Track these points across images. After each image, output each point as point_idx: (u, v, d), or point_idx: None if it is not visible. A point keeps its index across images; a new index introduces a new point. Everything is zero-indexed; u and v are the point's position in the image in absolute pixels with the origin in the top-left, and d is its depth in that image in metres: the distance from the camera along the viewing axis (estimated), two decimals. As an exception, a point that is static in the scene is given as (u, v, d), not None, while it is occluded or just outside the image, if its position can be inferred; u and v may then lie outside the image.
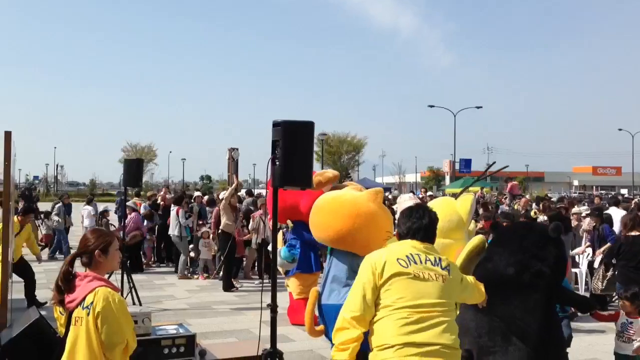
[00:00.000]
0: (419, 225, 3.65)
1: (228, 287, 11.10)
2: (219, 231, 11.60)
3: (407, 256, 3.46)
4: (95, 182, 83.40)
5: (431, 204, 6.14)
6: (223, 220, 11.35)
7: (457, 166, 48.31)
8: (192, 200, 14.46)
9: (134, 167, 9.56)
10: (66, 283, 3.24)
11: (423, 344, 3.19)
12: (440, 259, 3.56)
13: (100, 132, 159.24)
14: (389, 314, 3.30)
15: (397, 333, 3.22)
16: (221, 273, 11.68)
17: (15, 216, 8.84)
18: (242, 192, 17.27)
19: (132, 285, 9.23)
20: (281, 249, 7.64)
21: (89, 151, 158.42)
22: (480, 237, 5.42)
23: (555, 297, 4.88)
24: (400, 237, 3.68)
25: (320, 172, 7.48)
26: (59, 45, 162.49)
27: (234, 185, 11.82)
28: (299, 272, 8.42)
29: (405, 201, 4.87)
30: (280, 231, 8.84)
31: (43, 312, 6.62)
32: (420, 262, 3.47)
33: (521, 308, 4.66)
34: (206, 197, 15.68)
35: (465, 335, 4.89)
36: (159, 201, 15.25)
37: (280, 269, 8.19)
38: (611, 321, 5.75)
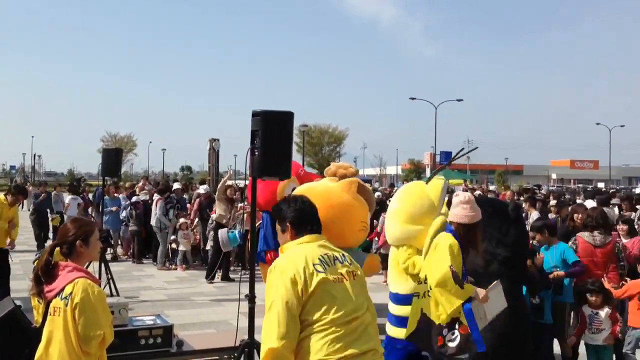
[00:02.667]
0: (309, 215, 3.29)
1: (224, 277, 11.09)
2: (212, 222, 11.55)
3: (319, 259, 3.06)
4: (74, 172, 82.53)
5: (400, 190, 6.11)
6: (217, 211, 11.29)
7: (437, 159, 48.58)
8: (172, 192, 14.35)
9: (113, 157, 9.48)
10: (46, 273, 3.22)
11: (362, 353, 2.90)
12: (344, 255, 3.26)
13: (79, 122, 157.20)
14: (319, 329, 2.87)
15: (333, 350, 2.85)
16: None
17: (2, 196, 8.68)
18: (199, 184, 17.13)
19: (110, 276, 9.17)
20: (231, 232, 7.54)
21: (68, 141, 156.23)
22: (441, 218, 5.33)
23: (520, 279, 4.87)
24: (295, 233, 3.22)
25: (345, 165, 7.30)
26: (37, 30, 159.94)
27: (227, 176, 11.78)
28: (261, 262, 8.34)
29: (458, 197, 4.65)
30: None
31: (18, 303, 6.55)
32: (332, 263, 3.11)
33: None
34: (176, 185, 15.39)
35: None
36: (137, 192, 15.12)
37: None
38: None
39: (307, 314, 2.88)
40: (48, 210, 15.83)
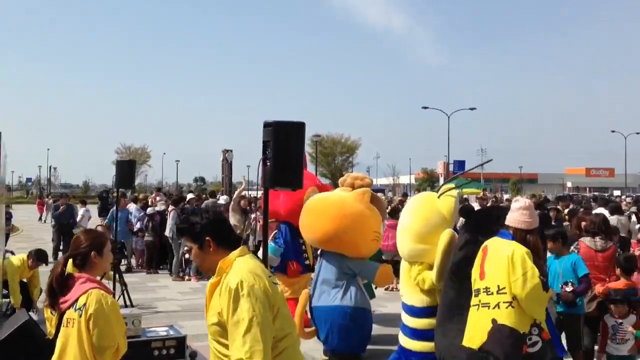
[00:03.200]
0: (228, 225, 3.08)
1: None
2: None
3: (269, 275, 2.90)
4: (89, 184, 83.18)
5: (411, 202, 6.09)
6: (231, 221, 11.33)
7: (451, 167, 48.39)
8: (186, 203, 14.45)
9: (126, 169, 9.54)
10: (60, 285, 3.23)
11: None
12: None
13: (94, 134, 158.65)
14: (285, 346, 2.81)
15: None
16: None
17: (25, 257, 8.13)
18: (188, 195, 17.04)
19: (124, 287, 9.20)
20: (269, 244, 7.60)
21: (83, 153, 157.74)
22: (449, 231, 5.36)
23: None
24: (229, 246, 2.96)
25: (360, 176, 7.28)
26: (52, 44, 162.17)
27: (242, 187, 11.81)
28: (279, 273, 8.34)
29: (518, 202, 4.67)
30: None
31: (33, 315, 6.60)
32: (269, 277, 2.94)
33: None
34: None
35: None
36: (149, 203, 15.28)
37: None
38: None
39: (275, 330, 2.74)
40: (70, 222, 15.82)
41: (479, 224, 5.24)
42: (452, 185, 6.10)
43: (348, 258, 6.64)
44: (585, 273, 5.78)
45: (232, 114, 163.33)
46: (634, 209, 12.85)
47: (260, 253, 7.98)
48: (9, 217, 15.95)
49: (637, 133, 62.96)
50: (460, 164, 48.13)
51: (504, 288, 4.24)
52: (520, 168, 78.92)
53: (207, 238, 2.90)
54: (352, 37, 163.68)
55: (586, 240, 6.49)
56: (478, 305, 4.41)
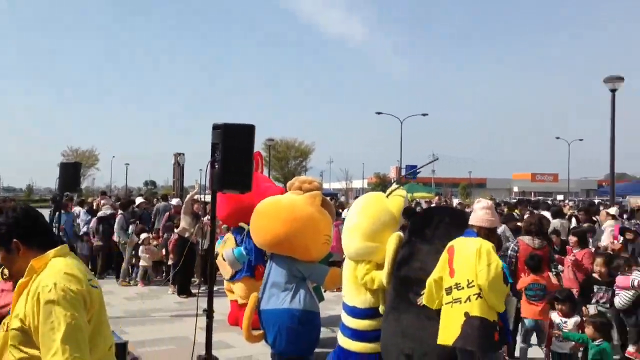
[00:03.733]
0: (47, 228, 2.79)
1: (184, 291, 10.87)
2: (176, 236, 11.37)
3: (89, 278, 2.71)
4: (33, 188, 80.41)
5: (359, 202, 6.10)
6: (182, 224, 11.12)
7: (403, 172, 48.94)
8: (136, 207, 14.15)
9: (71, 171, 9.23)
10: None
11: None
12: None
13: (39, 136, 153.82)
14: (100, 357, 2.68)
15: None
16: (169, 277, 11.49)
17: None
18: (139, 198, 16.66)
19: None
20: (235, 248, 7.51)
21: (27, 156, 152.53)
22: (397, 235, 5.47)
23: None
24: (43, 246, 2.71)
25: (309, 179, 7.24)
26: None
27: (195, 190, 11.61)
28: (247, 276, 8.31)
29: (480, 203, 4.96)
30: (229, 233, 8.72)
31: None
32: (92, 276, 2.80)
33: None
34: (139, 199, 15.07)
35: (404, 339, 5.00)
36: (94, 207, 14.90)
37: (228, 268, 8.07)
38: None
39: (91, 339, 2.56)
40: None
41: (416, 226, 5.36)
42: (399, 186, 6.21)
43: (298, 261, 6.62)
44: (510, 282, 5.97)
45: (185, 118, 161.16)
46: (574, 212, 13.34)
47: (228, 254, 7.98)
48: None
49: (580, 140, 65.24)
50: (412, 169, 48.73)
51: (473, 281, 4.47)
52: (469, 173, 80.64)
53: (14, 240, 2.62)
54: (309, 43, 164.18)
55: (525, 239, 6.98)
56: (451, 302, 4.56)
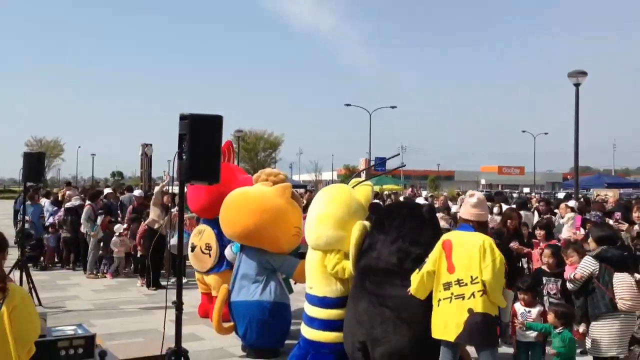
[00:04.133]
0: None
1: (155, 284, 10.74)
2: (144, 227, 11.21)
3: None
4: (-6, 178, 78.46)
5: (324, 193, 6.09)
6: (151, 215, 10.96)
7: (372, 164, 49.19)
8: (104, 197, 13.94)
9: (35, 162, 9.06)
10: None
11: None
12: None
13: (2, 126, 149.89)
14: None
15: None
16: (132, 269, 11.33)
17: None
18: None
19: (31, 285, 8.76)
20: (233, 245, 7.37)
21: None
22: (360, 223, 5.51)
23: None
24: None
25: (274, 172, 7.22)
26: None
27: (165, 182, 11.46)
28: (228, 269, 8.15)
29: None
30: (203, 224, 8.57)
31: None
32: None
33: (408, 295, 4.86)
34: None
35: (359, 327, 5.04)
36: (59, 198, 14.64)
37: (206, 261, 8.02)
38: None
39: None
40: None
41: (378, 219, 5.44)
42: (361, 178, 6.26)
43: (268, 253, 6.62)
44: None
45: (153, 108, 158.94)
46: (537, 205, 13.62)
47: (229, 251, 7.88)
48: None
49: (546, 133, 66.56)
50: (381, 161, 49.04)
51: (477, 277, 4.49)
52: (438, 165, 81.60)
53: None
54: (279, 34, 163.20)
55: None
56: (450, 297, 4.56)
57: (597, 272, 5.55)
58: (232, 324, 6.76)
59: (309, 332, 5.78)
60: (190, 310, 8.35)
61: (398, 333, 4.82)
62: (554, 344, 5.31)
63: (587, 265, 5.62)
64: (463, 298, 4.53)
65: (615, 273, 5.47)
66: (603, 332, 5.39)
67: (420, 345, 4.81)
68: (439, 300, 4.66)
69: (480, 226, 4.80)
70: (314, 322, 5.75)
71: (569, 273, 5.87)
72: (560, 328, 5.32)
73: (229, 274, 8.05)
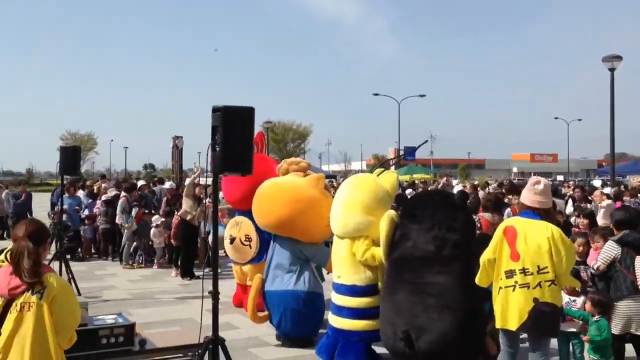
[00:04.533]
0: None
1: (188, 274, 10.92)
2: (178, 219, 11.39)
3: None
4: (33, 172, 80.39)
5: (349, 182, 6.11)
6: (183, 207, 11.10)
7: (401, 153, 48.96)
8: (138, 189, 14.18)
9: (71, 155, 9.25)
10: (35, 272, 3.18)
11: None
12: None
13: (38, 121, 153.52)
14: None
15: None
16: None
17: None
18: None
19: (71, 275, 8.98)
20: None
21: (27, 140, 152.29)
22: (388, 215, 5.48)
23: (473, 261, 4.98)
24: None
25: (295, 160, 7.31)
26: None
27: (196, 173, 11.60)
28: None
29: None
30: (241, 216, 8.66)
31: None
32: None
33: (450, 280, 4.83)
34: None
35: (399, 317, 5.03)
36: (95, 190, 14.95)
37: (247, 252, 8.01)
38: None
39: None
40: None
41: (407, 209, 5.44)
42: (384, 168, 6.30)
43: (301, 243, 6.66)
44: None
45: (184, 101, 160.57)
46: (571, 193, 13.37)
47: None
48: None
49: (579, 120, 65.20)
50: (410, 150, 48.69)
51: (546, 267, 4.44)
52: (468, 154, 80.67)
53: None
54: (304, 24, 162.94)
55: (486, 215, 7.90)
56: (514, 286, 4.50)
57: (619, 256, 5.57)
58: (266, 313, 6.83)
59: (337, 321, 5.80)
60: (225, 300, 8.47)
61: (442, 319, 4.77)
62: (589, 332, 5.25)
63: (609, 251, 5.65)
64: (528, 287, 4.46)
65: (637, 256, 5.51)
66: (625, 312, 5.46)
67: (465, 330, 4.75)
68: (500, 288, 4.59)
69: (545, 214, 4.71)
70: (343, 311, 5.76)
71: (592, 259, 5.83)
72: (598, 316, 5.25)
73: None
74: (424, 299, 4.82)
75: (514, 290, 4.51)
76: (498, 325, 4.62)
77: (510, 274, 4.54)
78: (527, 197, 4.83)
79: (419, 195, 6.32)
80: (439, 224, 5.02)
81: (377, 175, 6.01)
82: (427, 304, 4.79)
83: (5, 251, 3.32)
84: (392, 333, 5.06)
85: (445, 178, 27.36)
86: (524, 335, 4.88)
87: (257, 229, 7.78)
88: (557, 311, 4.56)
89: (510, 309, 4.53)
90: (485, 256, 4.71)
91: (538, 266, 4.46)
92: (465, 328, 4.75)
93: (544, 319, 4.45)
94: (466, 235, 4.94)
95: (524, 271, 4.49)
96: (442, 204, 5.22)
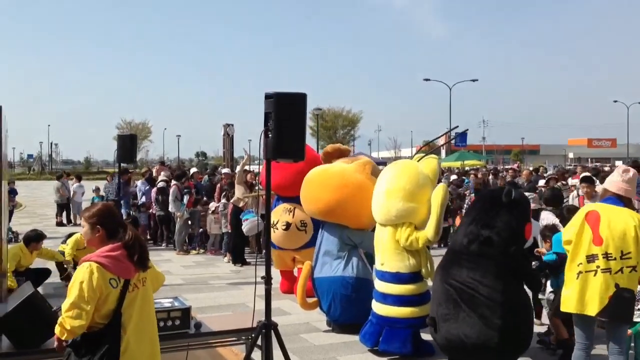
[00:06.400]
0: None
1: (240, 260, 11.12)
2: (229, 206, 11.55)
3: None
4: (90, 160, 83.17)
5: (391, 169, 6.08)
6: (236, 194, 11.23)
7: (452, 140, 48.19)
8: (190, 177, 14.43)
9: (128, 143, 9.46)
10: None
11: None
12: None
13: (95, 110, 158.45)
14: None
15: None
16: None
17: (22, 245, 8.29)
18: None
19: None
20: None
21: (84, 129, 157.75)
22: (442, 186, 5.63)
23: (511, 263, 4.89)
24: None
25: (336, 146, 7.46)
26: (50, 20, 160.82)
27: (244, 160, 11.73)
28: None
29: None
30: None
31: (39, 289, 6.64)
32: None
33: (472, 275, 4.83)
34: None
35: (432, 302, 5.22)
36: (154, 175, 15.28)
37: (302, 238, 8.20)
38: None
39: None
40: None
41: (485, 204, 5.31)
42: (424, 154, 6.23)
43: (349, 229, 6.66)
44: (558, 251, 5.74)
45: (233, 89, 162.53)
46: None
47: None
48: (13, 193, 15.99)
49: (640, 103, 62.58)
50: (462, 137, 47.88)
51: (629, 253, 4.39)
52: (522, 139, 78.66)
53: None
54: (353, 10, 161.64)
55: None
56: (595, 270, 4.46)
57: None
58: (315, 299, 6.87)
59: (382, 309, 5.82)
60: (276, 285, 8.55)
61: (458, 314, 4.82)
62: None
63: None
64: (610, 272, 4.39)
65: None
66: None
67: (486, 330, 4.73)
68: (579, 272, 4.50)
69: (628, 202, 4.64)
70: (388, 299, 5.79)
71: None
72: None
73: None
74: (447, 289, 4.92)
75: (595, 274, 4.43)
76: (574, 309, 4.51)
77: (592, 258, 4.47)
78: (613, 184, 4.71)
79: (522, 198, 5.94)
80: (478, 219, 5.04)
81: (418, 161, 5.99)
82: (449, 295, 4.88)
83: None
84: (427, 317, 5.25)
85: (517, 164, 26.56)
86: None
87: None
88: (634, 298, 4.49)
89: (589, 294, 4.44)
90: (563, 237, 4.69)
91: (622, 251, 4.39)
92: (481, 328, 4.72)
93: (624, 305, 4.39)
94: (504, 234, 4.87)
95: (606, 256, 4.42)
96: (489, 200, 5.25)
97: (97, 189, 17.14)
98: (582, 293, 4.46)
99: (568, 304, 4.54)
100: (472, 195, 11.39)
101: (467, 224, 5.10)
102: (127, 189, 14.35)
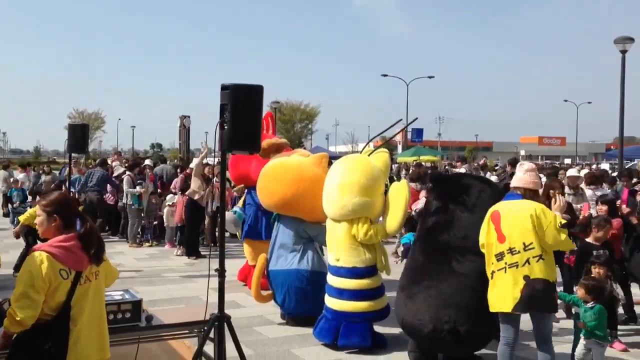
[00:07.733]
0: None
1: (194, 253, 10.99)
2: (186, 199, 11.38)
3: None
4: (40, 150, 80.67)
5: (342, 163, 6.08)
6: (192, 186, 11.08)
7: (409, 135, 48.78)
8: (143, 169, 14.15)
9: (79, 133, 9.22)
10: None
11: None
12: None
13: (45, 99, 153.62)
14: None
15: None
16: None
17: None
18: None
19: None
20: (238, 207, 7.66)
21: (34, 118, 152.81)
22: (404, 182, 5.78)
23: None
24: None
25: (273, 139, 7.48)
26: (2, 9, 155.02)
27: (203, 153, 11.58)
28: (247, 239, 8.39)
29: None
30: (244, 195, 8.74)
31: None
32: None
33: (449, 270, 5.10)
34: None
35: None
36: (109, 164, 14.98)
37: (232, 227, 8.40)
38: None
39: None
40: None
41: (451, 191, 5.40)
42: (371, 148, 6.29)
43: (305, 222, 6.67)
44: None
45: (190, 80, 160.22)
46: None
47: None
48: None
49: (589, 102, 64.64)
50: (418, 132, 48.52)
51: (531, 244, 4.45)
52: (476, 136, 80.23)
53: None
54: (312, 4, 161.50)
55: (411, 185, 8.91)
56: (504, 268, 4.53)
57: None
58: (270, 292, 6.87)
59: (337, 304, 5.83)
60: (231, 278, 8.49)
61: (428, 303, 5.00)
62: (585, 318, 5.00)
63: None
64: (517, 266, 4.47)
65: None
66: None
67: (445, 319, 4.96)
68: (493, 272, 4.61)
69: (529, 193, 4.69)
70: (344, 294, 5.79)
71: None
72: (592, 303, 5.01)
73: (247, 241, 8.29)
74: (475, 292, 5.00)
75: (505, 271, 4.53)
76: (496, 308, 4.62)
77: (500, 256, 4.58)
78: (518, 179, 4.81)
79: (467, 181, 5.90)
80: (479, 214, 4.97)
81: (368, 155, 6.04)
82: (478, 297, 4.89)
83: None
84: (434, 324, 5.15)
85: (483, 160, 27.12)
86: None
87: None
88: (551, 286, 4.52)
89: (504, 291, 4.53)
90: (480, 242, 4.79)
91: (524, 243, 4.48)
92: (444, 317, 4.94)
93: (537, 296, 4.44)
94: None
95: (511, 251, 4.52)
96: (492, 198, 5.17)
97: (15, 181, 15.96)
98: (497, 291, 4.58)
99: (491, 304, 4.66)
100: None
101: (476, 223, 5.03)
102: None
